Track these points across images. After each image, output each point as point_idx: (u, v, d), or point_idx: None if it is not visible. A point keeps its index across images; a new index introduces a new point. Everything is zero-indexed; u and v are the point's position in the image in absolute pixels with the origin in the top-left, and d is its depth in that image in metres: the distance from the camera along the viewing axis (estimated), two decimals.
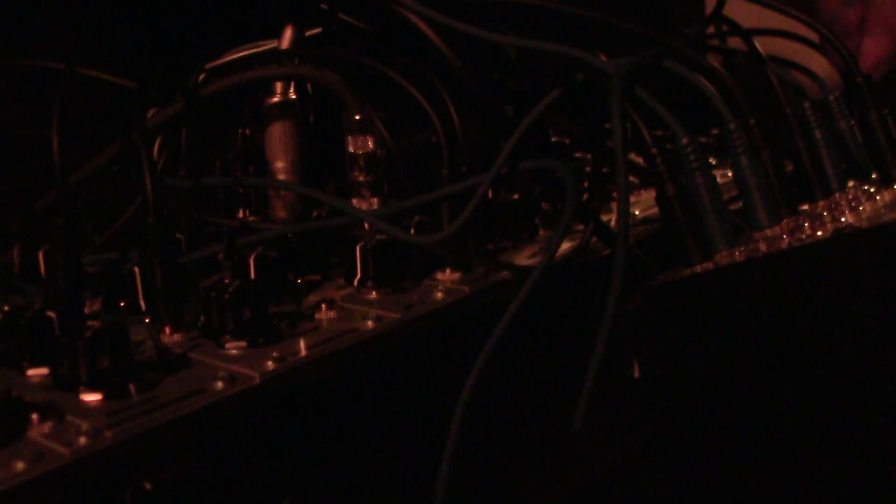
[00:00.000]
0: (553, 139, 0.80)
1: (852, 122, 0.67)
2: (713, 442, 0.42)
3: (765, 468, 0.42)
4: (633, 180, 0.81)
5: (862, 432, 0.40)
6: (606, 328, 0.48)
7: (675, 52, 0.59)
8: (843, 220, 0.47)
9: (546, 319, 0.59)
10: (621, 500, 0.46)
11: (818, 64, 0.71)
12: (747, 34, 0.69)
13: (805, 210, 0.53)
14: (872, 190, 0.58)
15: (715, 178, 0.52)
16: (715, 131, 0.86)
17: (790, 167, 0.62)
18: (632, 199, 0.81)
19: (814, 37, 0.73)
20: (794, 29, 0.74)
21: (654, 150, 0.52)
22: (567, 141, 0.82)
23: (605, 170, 0.72)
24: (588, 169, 0.76)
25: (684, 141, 0.52)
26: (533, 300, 0.52)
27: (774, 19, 0.74)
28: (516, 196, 0.71)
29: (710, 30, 0.76)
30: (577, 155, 0.82)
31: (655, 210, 0.75)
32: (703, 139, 0.85)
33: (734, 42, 0.75)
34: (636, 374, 0.55)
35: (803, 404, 0.41)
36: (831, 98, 0.67)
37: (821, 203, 0.56)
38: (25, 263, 0.61)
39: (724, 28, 0.70)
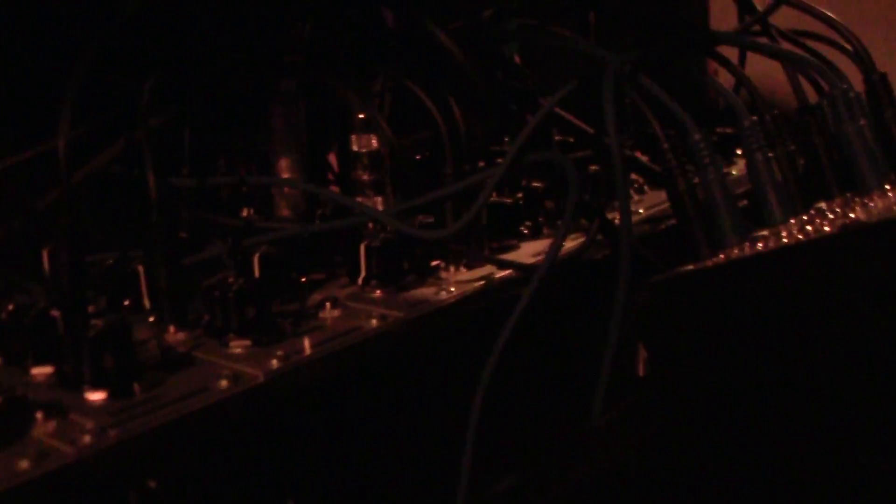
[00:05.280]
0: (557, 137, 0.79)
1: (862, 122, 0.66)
2: (723, 435, 0.42)
3: (773, 462, 0.42)
4: (635, 178, 0.81)
5: (867, 423, 0.40)
6: (618, 321, 0.48)
7: (687, 47, 0.59)
8: (851, 215, 0.47)
9: (551, 317, 0.59)
10: (630, 495, 0.46)
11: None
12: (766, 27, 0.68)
13: (821, 206, 0.53)
14: (887, 187, 0.58)
15: (725, 174, 0.52)
16: (719, 130, 0.86)
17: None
18: (636, 197, 0.81)
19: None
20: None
21: (665, 146, 0.52)
22: (571, 139, 0.82)
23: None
24: (593, 167, 0.76)
25: (697, 137, 0.52)
26: (539, 298, 0.53)
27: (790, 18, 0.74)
28: (520, 194, 0.71)
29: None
30: (580, 154, 0.82)
31: (659, 209, 0.75)
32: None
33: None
34: (641, 371, 0.55)
35: (812, 398, 0.41)
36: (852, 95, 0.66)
37: (837, 199, 0.56)
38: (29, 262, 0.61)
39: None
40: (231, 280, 0.53)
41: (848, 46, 0.68)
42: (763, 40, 0.75)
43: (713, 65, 0.68)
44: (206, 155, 0.71)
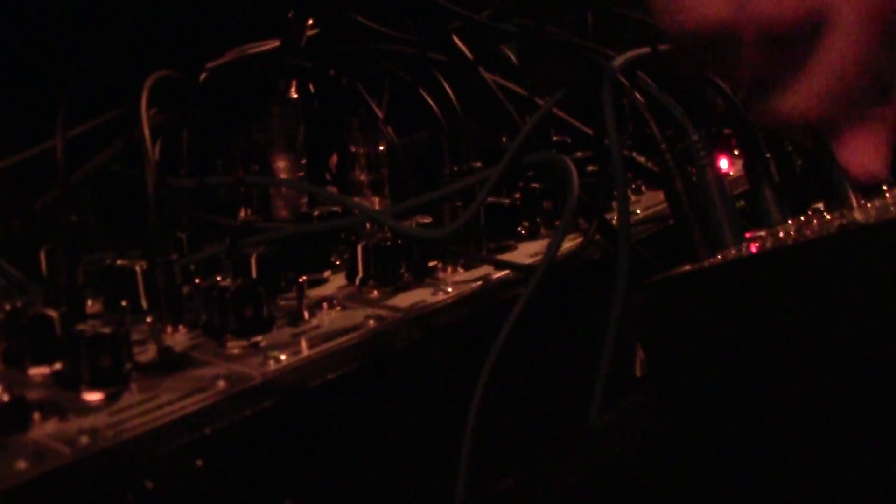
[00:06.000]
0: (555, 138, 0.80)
1: None
2: (720, 436, 0.42)
3: (771, 462, 0.42)
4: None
5: (866, 424, 0.40)
6: (616, 322, 0.48)
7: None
8: (849, 216, 0.47)
9: (549, 317, 0.59)
10: (628, 495, 0.46)
11: None
12: None
13: (817, 207, 0.53)
14: (884, 187, 0.58)
15: (725, 173, 0.52)
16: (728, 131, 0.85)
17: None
18: (634, 198, 0.81)
19: None
20: None
21: (663, 146, 0.52)
22: (569, 140, 0.82)
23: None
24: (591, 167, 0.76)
25: (695, 137, 0.52)
26: (537, 298, 0.53)
27: None
28: (518, 194, 0.71)
29: None
30: (579, 154, 0.82)
31: (658, 209, 0.75)
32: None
33: None
34: (638, 372, 0.55)
35: (811, 399, 0.41)
36: None
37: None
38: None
39: None
40: (227, 280, 0.53)
41: None
42: None
43: None
44: (204, 155, 0.71)
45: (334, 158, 0.76)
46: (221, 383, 0.47)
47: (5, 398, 0.44)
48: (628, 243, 0.52)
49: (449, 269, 0.63)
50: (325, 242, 0.65)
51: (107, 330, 0.47)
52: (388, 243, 0.61)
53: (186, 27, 0.76)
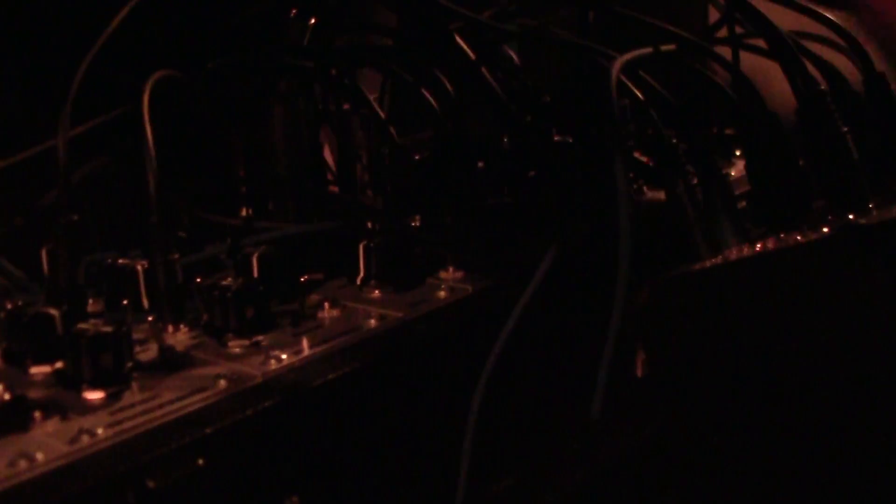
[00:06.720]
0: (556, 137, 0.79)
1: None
2: (722, 436, 0.42)
3: (773, 462, 0.42)
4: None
5: (867, 423, 0.40)
6: (617, 322, 0.48)
7: (686, 47, 0.60)
8: (851, 216, 0.47)
9: (551, 317, 0.59)
10: (629, 495, 0.46)
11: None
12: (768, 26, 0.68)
13: (820, 207, 0.53)
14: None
15: (725, 174, 0.52)
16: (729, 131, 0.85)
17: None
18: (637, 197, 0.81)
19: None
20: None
21: (665, 146, 0.52)
22: (571, 140, 0.82)
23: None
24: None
25: (697, 137, 0.52)
26: (538, 297, 0.53)
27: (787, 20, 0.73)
28: (522, 194, 0.71)
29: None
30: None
31: (660, 210, 0.75)
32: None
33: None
34: (639, 372, 0.55)
35: (812, 398, 0.41)
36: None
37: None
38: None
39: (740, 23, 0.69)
40: (228, 280, 0.53)
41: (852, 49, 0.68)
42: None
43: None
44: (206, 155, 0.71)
45: (334, 157, 0.76)
46: (222, 382, 0.47)
47: (6, 397, 0.44)
48: (630, 243, 0.52)
49: (450, 269, 0.63)
50: (327, 242, 0.65)
51: (108, 329, 0.47)
52: (390, 243, 0.61)
53: (188, 27, 0.76)
